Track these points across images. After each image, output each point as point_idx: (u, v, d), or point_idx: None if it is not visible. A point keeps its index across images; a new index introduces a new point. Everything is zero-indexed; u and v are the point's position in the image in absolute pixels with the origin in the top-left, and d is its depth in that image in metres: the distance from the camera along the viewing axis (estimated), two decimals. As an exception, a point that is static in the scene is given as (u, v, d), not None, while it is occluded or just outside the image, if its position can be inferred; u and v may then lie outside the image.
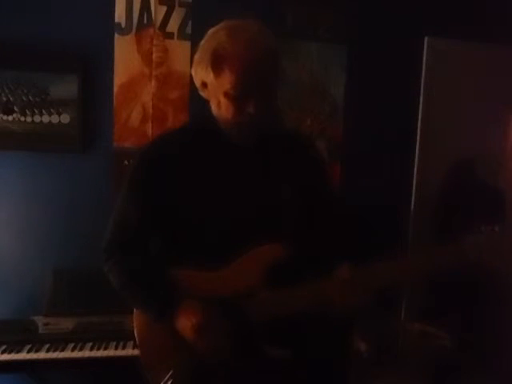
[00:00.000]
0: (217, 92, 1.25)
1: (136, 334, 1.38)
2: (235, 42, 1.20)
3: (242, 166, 1.32)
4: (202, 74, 1.26)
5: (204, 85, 1.28)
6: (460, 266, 1.26)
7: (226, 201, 1.29)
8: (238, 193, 1.30)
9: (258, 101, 1.22)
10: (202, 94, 1.32)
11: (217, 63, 1.22)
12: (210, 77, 1.24)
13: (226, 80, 1.21)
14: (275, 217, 1.31)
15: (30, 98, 2.39)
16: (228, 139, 1.30)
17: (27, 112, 2.40)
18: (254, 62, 1.20)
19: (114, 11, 2.44)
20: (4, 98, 2.37)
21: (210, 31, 1.26)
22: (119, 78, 2.48)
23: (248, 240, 1.27)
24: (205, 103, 1.33)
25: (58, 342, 2.12)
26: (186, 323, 1.25)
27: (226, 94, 1.23)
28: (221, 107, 1.26)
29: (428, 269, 1.31)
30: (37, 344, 2.10)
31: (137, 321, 1.38)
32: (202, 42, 1.27)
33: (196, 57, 1.27)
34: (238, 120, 1.25)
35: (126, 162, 2.42)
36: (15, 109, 2.38)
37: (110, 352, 2.10)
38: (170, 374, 1.26)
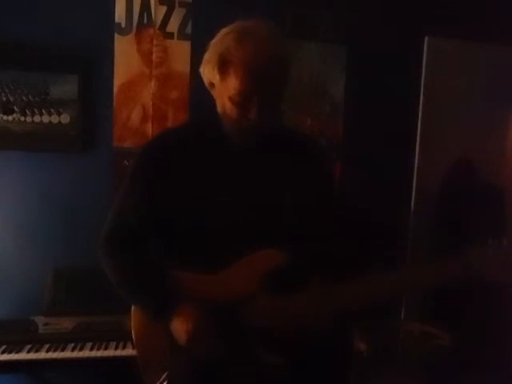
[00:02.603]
0: (222, 94, 1.25)
1: (133, 334, 1.38)
2: (242, 48, 1.19)
3: (242, 168, 1.32)
4: (209, 74, 1.26)
5: (212, 85, 1.29)
6: (463, 280, 1.24)
7: (225, 202, 1.29)
8: (238, 195, 1.29)
9: (262, 107, 1.21)
10: (211, 92, 1.31)
11: (223, 67, 1.22)
12: (216, 79, 1.25)
13: (231, 85, 1.21)
14: (275, 220, 1.30)
15: (30, 98, 2.39)
16: (230, 140, 1.30)
17: (27, 112, 2.40)
18: (261, 70, 1.19)
19: (114, 11, 2.44)
20: (4, 98, 2.37)
21: (222, 31, 1.26)
22: (119, 78, 2.48)
23: (247, 243, 1.27)
24: (205, 103, 1.33)
25: (58, 342, 2.12)
26: (180, 327, 1.25)
27: (230, 99, 1.23)
28: (226, 109, 1.26)
29: (427, 283, 1.30)
30: (37, 344, 2.10)
31: (134, 320, 1.38)
32: (213, 41, 1.26)
33: (205, 56, 1.27)
34: (241, 124, 1.25)
35: (125, 162, 2.42)
36: (15, 109, 2.38)
37: (110, 352, 2.10)
38: (165, 375, 1.25)
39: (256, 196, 1.31)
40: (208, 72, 1.26)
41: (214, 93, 1.30)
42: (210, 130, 1.33)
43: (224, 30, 1.25)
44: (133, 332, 1.38)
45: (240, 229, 1.28)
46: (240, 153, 1.31)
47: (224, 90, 1.24)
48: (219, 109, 1.29)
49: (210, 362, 1.27)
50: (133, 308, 1.39)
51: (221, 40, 1.24)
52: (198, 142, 1.33)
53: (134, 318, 1.38)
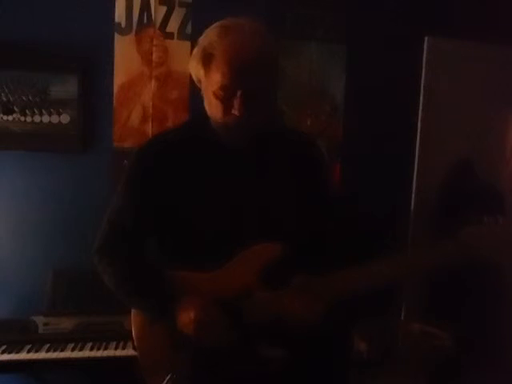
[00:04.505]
0: (207, 90, 1.26)
1: (134, 337, 1.38)
2: (224, 43, 1.19)
3: (234, 166, 1.31)
4: (195, 70, 1.27)
5: (200, 81, 1.29)
6: (458, 261, 1.23)
7: (219, 201, 1.29)
8: (231, 193, 1.29)
9: (247, 103, 1.20)
10: (200, 89, 1.32)
11: (206, 61, 1.22)
12: (201, 74, 1.25)
13: (214, 80, 1.21)
14: (268, 218, 1.30)
15: (30, 98, 2.39)
16: (219, 139, 1.30)
17: (27, 112, 2.40)
18: (242, 64, 1.18)
19: (114, 11, 2.45)
20: (4, 98, 2.37)
21: (209, 27, 1.26)
22: (119, 78, 2.48)
23: (244, 239, 1.27)
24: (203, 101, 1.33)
25: (58, 342, 2.12)
26: (186, 318, 1.25)
27: (214, 94, 1.23)
28: (211, 105, 1.26)
29: (426, 266, 1.30)
30: (37, 344, 2.10)
31: (134, 323, 1.38)
32: (201, 37, 1.27)
33: (193, 51, 1.28)
34: (225, 120, 1.24)
35: (125, 162, 2.41)
36: (15, 109, 2.38)
37: (110, 352, 2.10)
38: (168, 376, 1.25)
39: (249, 193, 1.30)
40: (194, 67, 1.26)
41: (202, 90, 1.29)
42: (202, 130, 1.33)
43: (211, 26, 1.26)
44: (134, 335, 1.38)
45: (236, 226, 1.28)
46: (230, 151, 1.30)
47: (208, 85, 1.24)
48: (206, 106, 1.29)
49: (215, 356, 1.26)
50: (133, 312, 1.39)
51: (206, 35, 1.25)
52: (191, 142, 1.33)
53: (135, 321, 1.38)
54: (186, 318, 1.25)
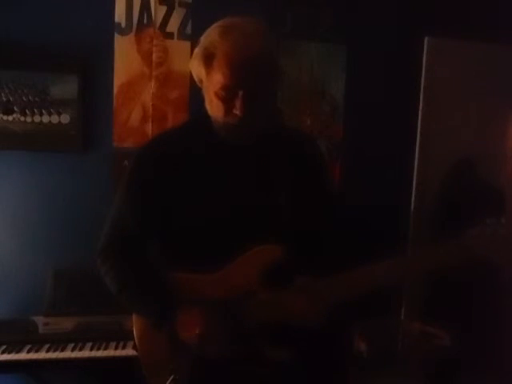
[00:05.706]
0: (209, 89, 1.25)
1: (136, 338, 1.38)
2: (226, 42, 1.19)
3: (235, 166, 1.31)
4: (196, 69, 1.27)
5: (201, 81, 1.29)
6: (462, 264, 1.23)
7: (219, 201, 1.28)
8: (233, 193, 1.29)
9: (249, 103, 1.20)
10: (201, 89, 1.31)
11: (208, 61, 1.22)
12: (202, 73, 1.25)
13: (216, 79, 1.21)
14: (270, 217, 1.30)
15: (30, 98, 2.39)
16: (220, 139, 1.29)
17: (27, 112, 2.40)
18: (244, 64, 1.18)
19: (114, 11, 2.45)
20: (4, 98, 2.37)
21: (211, 27, 1.26)
22: (119, 78, 2.48)
23: (245, 240, 1.27)
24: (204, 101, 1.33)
25: (58, 342, 2.12)
26: (187, 331, 1.25)
27: (215, 94, 1.23)
28: (212, 105, 1.26)
29: (428, 267, 1.29)
30: (37, 344, 2.10)
31: (136, 324, 1.38)
32: (202, 36, 1.27)
33: (194, 51, 1.27)
34: (226, 120, 1.24)
35: (125, 162, 2.42)
36: (15, 109, 2.38)
37: (110, 352, 2.10)
38: (171, 378, 1.25)
39: (250, 194, 1.30)
40: (195, 67, 1.26)
41: (203, 89, 1.29)
42: (202, 130, 1.32)
43: (212, 25, 1.26)
44: (135, 335, 1.38)
45: (236, 227, 1.28)
46: (231, 151, 1.30)
47: (210, 85, 1.24)
48: (207, 105, 1.29)
49: (217, 363, 1.26)
50: (134, 314, 1.39)
51: (207, 34, 1.25)
52: (191, 142, 1.33)
53: (136, 321, 1.38)
54: (187, 331, 1.24)
